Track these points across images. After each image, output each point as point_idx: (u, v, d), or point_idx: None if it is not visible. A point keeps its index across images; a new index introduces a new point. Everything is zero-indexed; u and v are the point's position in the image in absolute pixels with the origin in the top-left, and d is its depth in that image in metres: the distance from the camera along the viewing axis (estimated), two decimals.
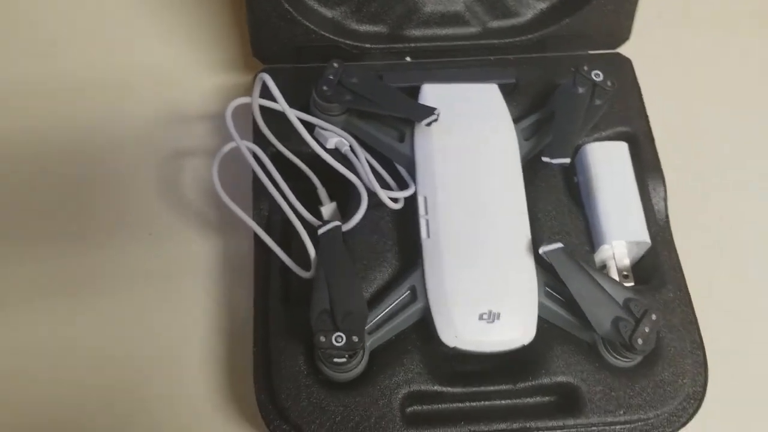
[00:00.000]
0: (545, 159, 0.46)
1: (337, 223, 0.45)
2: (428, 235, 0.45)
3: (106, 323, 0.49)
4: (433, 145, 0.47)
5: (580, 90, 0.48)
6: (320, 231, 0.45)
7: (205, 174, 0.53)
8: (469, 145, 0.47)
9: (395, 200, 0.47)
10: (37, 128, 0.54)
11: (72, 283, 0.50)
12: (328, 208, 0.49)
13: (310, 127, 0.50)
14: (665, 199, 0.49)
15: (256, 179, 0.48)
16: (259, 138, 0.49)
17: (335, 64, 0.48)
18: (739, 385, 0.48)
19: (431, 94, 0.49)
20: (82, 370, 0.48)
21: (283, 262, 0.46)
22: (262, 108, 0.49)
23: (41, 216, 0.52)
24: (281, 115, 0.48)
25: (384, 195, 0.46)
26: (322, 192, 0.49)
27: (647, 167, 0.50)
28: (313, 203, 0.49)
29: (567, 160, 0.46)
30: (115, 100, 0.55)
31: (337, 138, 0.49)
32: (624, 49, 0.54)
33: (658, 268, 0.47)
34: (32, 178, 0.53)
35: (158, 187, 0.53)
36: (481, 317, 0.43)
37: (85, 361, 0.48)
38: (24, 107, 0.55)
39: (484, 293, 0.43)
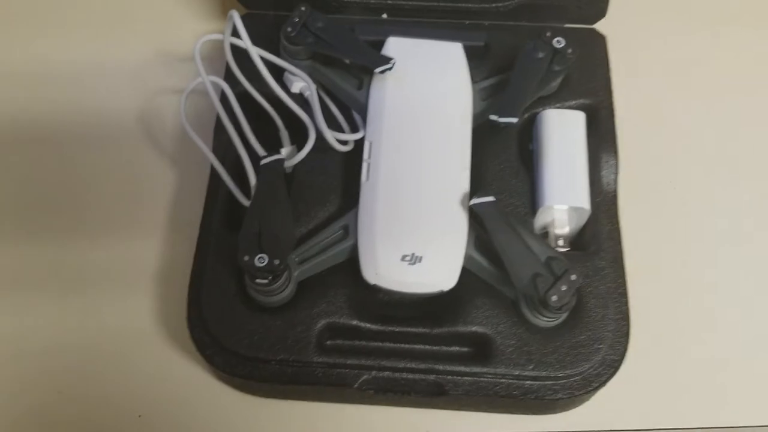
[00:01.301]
0: (492, 117, 0.47)
1: (280, 156, 0.47)
2: (367, 178, 0.46)
3: (69, 243, 0.51)
4: (386, 94, 0.48)
5: (540, 54, 0.49)
6: (263, 161, 0.47)
7: (176, 112, 0.55)
8: (422, 98, 0.48)
9: (344, 143, 0.49)
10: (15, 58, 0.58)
11: (41, 203, 0.53)
12: (287, 150, 0.51)
13: (281, 72, 0.52)
14: (616, 173, 0.49)
15: (218, 114, 0.50)
16: (229, 76, 0.51)
17: (302, 8, 0.50)
18: (662, 360, 0.47)
19: (395, 46, 0.50)
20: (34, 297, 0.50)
21: (230, 191, 0.49)
22: (238, 49, 0.52)
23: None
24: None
25: (330, 136, 0.48)
26: (284, 133, 0.51)
27: (603, 140, 0.50)
28: (278, 145, 0.51)
29: (514, 120, 0.47)
30: (105, 40, 0.58)
31: (302, 83, 0.51)
32: (604, 27, 0.54)
33: (596, 236, 0.47)
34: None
35: (131, 125, 0.55)
36: (403, 258, 0.44)
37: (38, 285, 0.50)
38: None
39: (410, 237, 0.44)
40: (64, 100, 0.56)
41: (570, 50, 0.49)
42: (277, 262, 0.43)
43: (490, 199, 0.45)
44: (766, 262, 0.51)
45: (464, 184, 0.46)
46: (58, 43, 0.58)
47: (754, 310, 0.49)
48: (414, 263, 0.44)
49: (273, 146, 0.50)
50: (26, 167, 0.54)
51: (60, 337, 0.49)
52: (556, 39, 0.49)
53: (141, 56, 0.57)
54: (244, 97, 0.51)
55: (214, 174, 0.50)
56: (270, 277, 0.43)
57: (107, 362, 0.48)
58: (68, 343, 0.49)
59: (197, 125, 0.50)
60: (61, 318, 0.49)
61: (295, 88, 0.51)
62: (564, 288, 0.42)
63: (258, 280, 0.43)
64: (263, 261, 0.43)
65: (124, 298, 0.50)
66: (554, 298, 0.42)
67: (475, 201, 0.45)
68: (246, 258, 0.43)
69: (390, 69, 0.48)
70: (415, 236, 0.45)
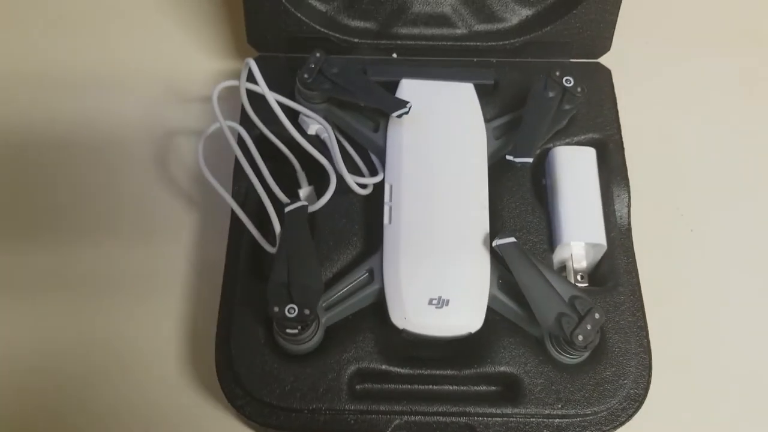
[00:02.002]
0: (509, 157, 0.48)
1: (304, 202, 0.47)
2: (390, 221, 0.47)
3: (90, 275, 0.52)
4: (403, 137, 0.49)
5: (550, 94, 0.50)
6: (287, 209, 0.47)
7: (194, 154, 0.55)
8: (438, 139, 0.49)
9: (364, 186, 0.50)
10: (31, 107, 0.58)
11: (60, 249, 0.53)
12: (305, 191, 0.52)
13: (296, 115, 0.52)
14: (629, 206, 0.51)
15: (237, 158, 0.51)
16: (245, 120, 0.52)
17: (317, 54, 0.50)
18: (683, 392, 0.49)
19: (408, 88, 0.51)
20: (54, 337, 0.50)
21: (254, 238, 0.49)
22: (253, 93, 0.52)
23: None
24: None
25: (351, 180, 0.48)
26: (301, 175, 0.52)
27: (614, 174, 0.51)
28: (295, 187, 0.51)
29: (529, 160, 0.48)
30: (118, 82, 0.58)
31: (318, 125, 0.52)
32: (607, 60, 0.56)
33: (614, 271, 0.48)
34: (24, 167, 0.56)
35: (148, 166, 0.56)
36: (430, 302, 0.45)
37: (58, 325, 0.50)
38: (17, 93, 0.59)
39: (436, 280, 0.45)
40: (79, 139, 0.56)
41: (579, 89, 0.50)
42: (307, 312, 0.44)
43: (512, 239, 0.46)
44: None
45: (484, 224, 0.47)
46: (73, 80, 0.58)
47: None
48: (441, 306, 0.45)
49: (289, 186, 0.51)
50: (46, 209, 0.54)
51: (83, 392, 0.49)
52: (565, 78, 0.50)
53: (156, 95, 0.58)
54: (260, 139, 0.52)
55: (235, 218, 0.50)
56: (300, 327, 0.44)
57: (133, 413, 0.48)
58: (92, 396, 0.49)
59: (214, 167, 0.50)
60: (86, 380, 0.49)
61: (311, 129, 0.52)
62: (589, 327, 0.44)
63: (288, 330, 0.44)
64: (293, 312, 0.44)
65: (150, 344, 0.50)
66: (580, 337, 0.43)
67: (497, 242, 0.46)
68: (276, 309, 0.44)
69: (407, 113, 0.49)
70: (441, 279, 0.45)
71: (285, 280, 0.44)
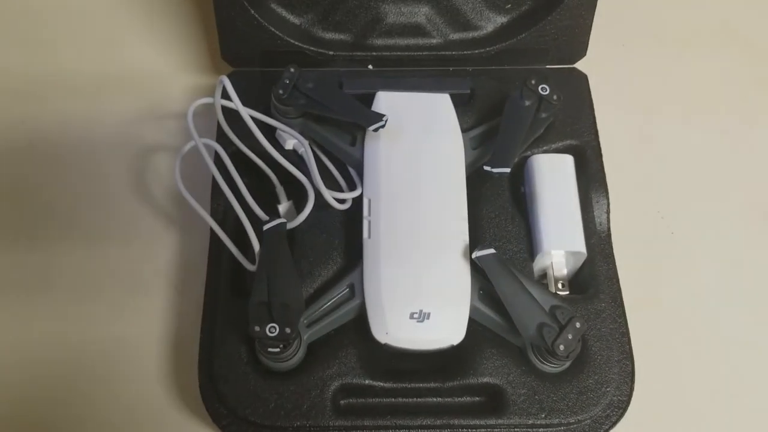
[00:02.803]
0: (486, 168, 0.48)
1: (282, 220, 0.47)
2: (369, 236, 0.47)
3: (62, 312, 0.51)
4: (380, 150, 0.49)
5: (527, 102, 0.50)
6: (265, 227, 0.47)
7: (171, 171, 0.55)
8: (415, 151, 0.49)
9: (342, 201, 0.49)
10: (9, 120, 0.57)
11: (34, 274, 0.52)
12: (284, 207, 0.51)
13: (273, 129, 0.52)
14: (608, 212, 0.51)
15: (214, 177, 0.50)
16: (221, 137, 0.52)
17: (291, 69, 0.50)
18: (666, 398, 0.49)
19: (385, 101, 0.51)
20: (41, 354, 0.50)
21: (234, 256, 0.49)
22: (229, 109, 0.52)
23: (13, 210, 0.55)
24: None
25: (328, 195, 0.48)
26: (280, 190, 0.52)
27: (592, 180, 0.51)
28: (274, 202, 0.51)
29: (507, 170, 0.48)
30: (89, 99, 0.58)
31: (294, 140, 0.52)
32: (583, 65, 0.56)
33: (594, 278, 0.49)
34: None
35: (126, 183, 0.55)
36: (411, 316, 0.45)
37: (43, 346, 0.50)
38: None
39: (417, 293, 0.45)
40: (56, 155, 0.56)
41: (555, 96, 0.50)
42: (288, 330, 0.43)
43: (491, 251, 0.46)
44: (763, 288, 0.52)
45: (464, 235, 0.47)
46: (49, 92, 0.58)
47: (754, 339, 0.51)
48: (422, 320, 0.45)
49: (268, 202, 0.50)
50: (22, 229, 0.53)
51: (66, 411, 0.49)
52: (541, 86, 0.50)
53: (132, 110, 0.57)
54: (237, 155, 0.51)
55: (214, 238, 0.50)
56: (282, 345, 0.44)
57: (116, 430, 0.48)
58: (77, 414, 0.49)
59: (192, 184, 0.50)
60: (68, 396, 0.49)
61: (288, 144, 0.52)
62: (570, 336, 0.44)
63: (270, 349, 0.44)
64: (275, 330, 0.43)
65: (132, 365, 0.49)
66: (561, 347, 0.43)
67: (477, 254, 0.46)
68: (257, 329, 0.43)
69: (383, 126, 0.49)
70: (422, 293, 0.45)
71: (265, 298, 0.44)
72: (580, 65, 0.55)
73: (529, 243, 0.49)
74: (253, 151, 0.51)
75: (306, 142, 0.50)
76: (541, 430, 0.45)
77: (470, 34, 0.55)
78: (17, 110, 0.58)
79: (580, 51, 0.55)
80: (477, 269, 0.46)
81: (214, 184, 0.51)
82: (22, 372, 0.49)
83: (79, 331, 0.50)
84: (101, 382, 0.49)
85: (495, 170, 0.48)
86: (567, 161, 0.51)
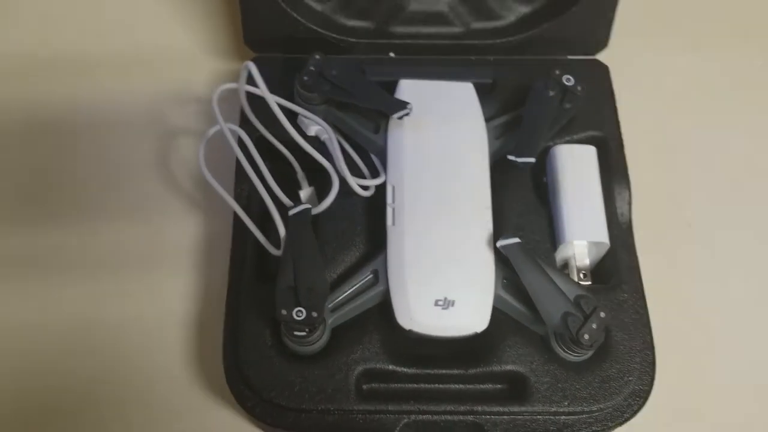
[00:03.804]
0: (511, 157, 0.48)
1: (307, 205, 0.47)
2: (393, 223, 0.47)
3: (88, 293, 0.51)
4: (404, 138, 0.49)
5: (551, 93, 0.50)
6: (291, 212, 0.47)
7: (195, 155, 0.55)
8: (439, 140, 0.49)
9: (366, 188, 0.50)
10: (35, 100, 0.57)
11: (56, 256, 0.52)
12: (306, 192, 0.52)
13: (294, 115, 0.52)
14: (629, 203, 0.51)
15: (238, 161, 0.50)
16: (245, 122, 0.52)
17: (317, 56, 0.50)
18: (687, 388, 0.49)
19: (407, 89, 0.51)
20: (62, 336, 0.50)
21: (258, 241, 0.49)
22: (252, 95, 0.52)
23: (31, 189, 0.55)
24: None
25: (353, 182, 0.48)
26: (302, 176, 0.52)
27: (614, 171, 0.51)
28: (295, 187, 0.51)
29: (532, 160, 0.48)
30: (115, 81, 0.58)
31: (317, 126, 0.52)
32: (604, 57, 0.56)
33: (616, 269, 0.49)
34: (25, 152, 0.56)
35: (151, 166, 0.55)
36: (436, 303, 0.45)
37: (66, 327, 0.50)
38: (23, 80, 0.58)
39: (441, 281, 0.46)
40: (80, 136, 0.56)
41: (579, 87, 0.50)
42: (315, 314, 0.44)
43: (516, 240, 0.46)
44: None
45: (488, 224, 0.47)
46: (73, 75, 0.58)
47: None
48: (447, 308, 0.45)
49: (290, 187, 0.50)
50: (44, 214, 0.54)
51: (91, 391, 0.49)
52: (565, 77, 0.50)
53: (156, 95, 0.57)
54: (260, 141, 0.51)
55: (237, 222, 0.50)
56: (308, 329, 0.44)
57: (140, 413, 0.48)
58: (100, 394, 0.49)
59: (216, 168, 0.50)
60: (93, 376, 0.49)
61: (311, 131, 0.52)
62: (594, 326, 0.44)
63: (296, 333, 0.44)
64: (301, 314, 0.44)
65: (157, 347, 0.50)
66: (586, 336, 0.44)
67: (501, 243, 0.46)
68: (284, 312, 0.44)
69: (408, 114, 0.49)
70: (446, 280, 0.46)
71: (291, 283, 0.45)
72: (601, 56, 0.56)
73: (551, 233, 0.49)
74: (276, 138, 0.51)
75: (330, 129, 0.50)
76: (563, 417, 0.45)
77: (492, 24, 0.55)
78: (42, 90, 0.57)
79: (602, 42, 0.55)
80: (501, 258, 0.46)
81: (238, 168, 0.50)
82: (43, 351, 0.50)
83: (103, 311, 0.50)
84: (125, 362, 0.49)
85: (520, 160, 0.48)
86: (590, 152, 0.51)
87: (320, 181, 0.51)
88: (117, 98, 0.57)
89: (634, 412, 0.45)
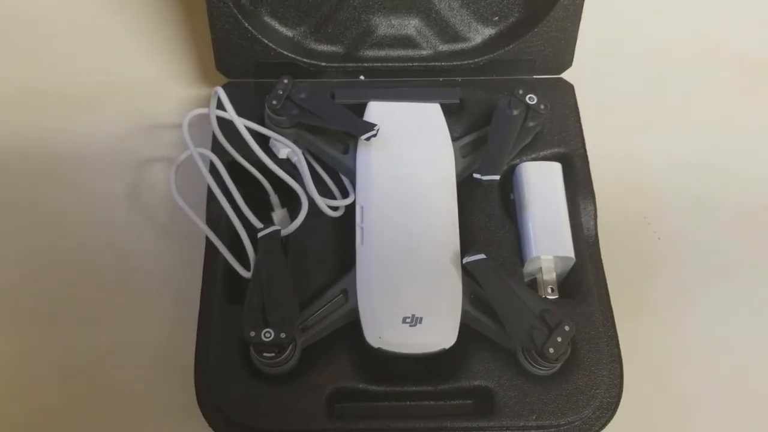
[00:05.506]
0: (476, 176, 0.49)
1: (277, 227, 0.48)
2: (362, 242, 0.48)
3: (61, 320, 0.52)
4: (372, 159, 0.50)
5: (515, 112, 0.51)
6: (259, 234, 0.48)
7: (166, 181, 0.55)
8: (407, 160, 0.50)
9: (335, 209, 0.50)
10: (7, 133, 0.58)
11: (28, 284, 0.52)
12: (278, 214, 0.52)
13: (267, 139, 0.53)
14: (595, 218, 0.52)
15: (209, 186, 0.51)
16: (216, 146, 0.53)
17: (285, 80, 0.51)
18: (654, 400, 0.50)
19: (376, 110, 0.52)
20: (32, 364, 0.50)
21: (229, 263, 0.50)
22: (224, 120, 0.53)
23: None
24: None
25: (322, 202, 0.49)
26: (274, 198, 0.52)
27: (580, 187, 0.52)
28: (269, 209, 0.52)
29: (496, 178, 0.49)
30: (83, 110, 0.59)
31: (288, 149, 0.53)
32: (571, 75, 0.57)
33: (583, 282, 0.50)
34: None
35: (123, 193, 0.56)
36: (404, 320, 0.46)
37: (38, 355, 0.50)
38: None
39: (409, 298, 0.46)
40: (51, 166, 0.57)
41: (542, 105, 0.51)
42: (283, 335, 0.44)
43: (481, 256, 0.47)
44: (748, 291, 0.53)
45: (455, 241, 0.48)
46: (44, 105, 0.59)
47: (741, 341, 0.52)
48: (415, 324, 0.46)
49: (263, 209, 0.51)
50: (18, 245, 0.54)
51: (63, 419, 0.49)
52: (528, 96, 0.51)
53: (127, 121, 0.58)
54: (232, 165, 0.52)
55: (209, 245, 0.51)
56: (277, 350, 0.45)
57: None
58: (72, 420, 0.49)
59: (187, 194, 0.51)
60: (67, 398, 0.49)
61: (282, 153, 0.53)
62: (559, 339, 0.45)
63: (265, 354, 0.45)
64: (270, 335, 0.44)
65: (128, 372, 0.50)
66: (551, 350, 0.44)
67: (467, 260, 0.47)
68: (252, 334, 0.44)
69: (375, 135, 0.50)
70: (414, 298, 0.46)
71: (260, 304, 0.45)
72: (566, 75, 0.57)
73: (518, 248, 0.50)
74: (247, 161, 0.52)
75: (299, 151, 0.51)
76: (531, 431, 0.45)
77: (459, 46, 0.56)
78: (11, 121, 0.58)
79: (567, 61, 0.56)
80: (468, 274, 0.47)
81: (210, 192, 0.51)
82: (10, 381, 0.50)
83: (76, 339, 0.51)
84: (98, 388, 0.50)
85: (485, 178, 0.49)
86: (555, 168, 0.52)
87: (294, 203, 0.51)
88: (89, 130, 0.58)
89: (603, 425, 0.46)
